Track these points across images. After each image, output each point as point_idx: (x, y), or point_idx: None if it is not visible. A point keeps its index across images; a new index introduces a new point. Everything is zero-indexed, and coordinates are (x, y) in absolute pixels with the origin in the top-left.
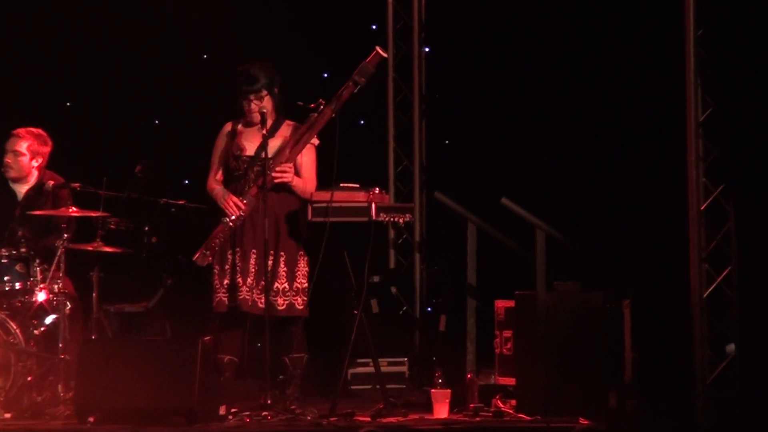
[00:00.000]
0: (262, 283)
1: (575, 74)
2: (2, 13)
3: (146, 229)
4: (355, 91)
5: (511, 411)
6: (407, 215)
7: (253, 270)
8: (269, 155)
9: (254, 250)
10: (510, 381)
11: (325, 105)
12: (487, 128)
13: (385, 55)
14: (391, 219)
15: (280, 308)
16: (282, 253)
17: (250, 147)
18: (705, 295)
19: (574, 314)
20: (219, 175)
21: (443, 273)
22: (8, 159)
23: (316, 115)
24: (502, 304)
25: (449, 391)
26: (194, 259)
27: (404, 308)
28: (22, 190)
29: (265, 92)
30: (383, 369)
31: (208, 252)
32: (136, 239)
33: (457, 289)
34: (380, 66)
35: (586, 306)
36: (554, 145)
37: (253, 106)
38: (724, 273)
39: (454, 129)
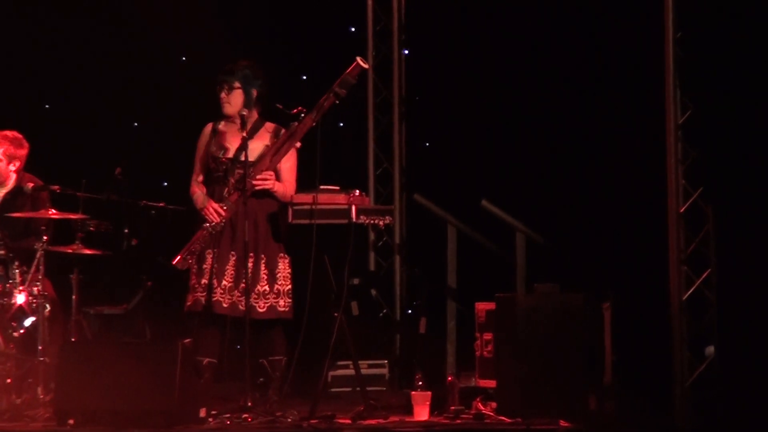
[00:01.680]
0: (242, 285)
1: (554, 76)
2: None
3: (126, 231)
4: (336, 102)
5: (491, 413)
6: (387, 217)
7: (231, 272)
8: (249, 157)
9: (233, 252)
10: (490, 383)
11: (305, 114)
12: (467, 130)
13: (365, 66)
14: (371, 221)
15: (260, 311)
16: (262, 256)
17: (230, 149)
18: (684, 297)
19: (554, 316)
20: (200, 177)
21: (423, 275)
22: None
23: (296, 124)
24: (482, 307)
25: (429, 393)
26: (174, 263)
27: (384, 310)
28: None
29: (237, 85)
30: (363, 371)
31: (188, 256)
32: (115, 241)
33: (437, 291)
34: (361, 74)
35: (565, 308)
36: (534, 147)
37: (222, 96)
38: (704, 275)
39: (434, 131)
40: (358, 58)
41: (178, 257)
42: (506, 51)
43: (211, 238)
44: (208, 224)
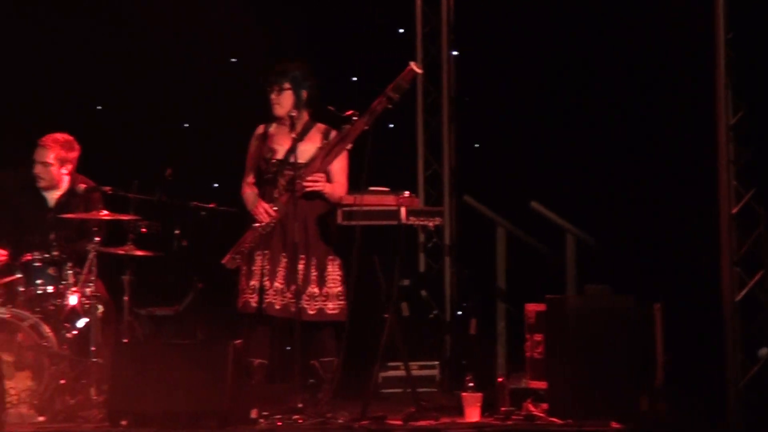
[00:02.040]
0: (293, 286)
1: (606, 77)
2: (31, 18)
3: (176, 232)
4: (389, 106)
5: (542, 414)
6: (437, 219)
7: (282, 274)
8: (299, 159)
9: (284, 254)
10: (541, 384)
11: (358, 118)
12: (517, 132)
13: (419, 71)
14: (421, 222)
15: (311, 313)
16: (312, 258)
17: (280, 150)
18: (737, 299)
19: (604, 318)
20: (252, 178)
21: (473, 276)
22: (37, 170)
23: (349, 127)
24: (532, 308)
25: (480, 394)
26: (223, 262)
27: (434, 312)
28: (54, 196)
29: (287, 86)
30: (414, 372)
31: (237, 256)
32: (166, 243)
33: (487, 292)
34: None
35: (616, 309)
36: (584, 148)
37: (273, 97)
38: (757, 277)
39: (484, 132)
40: (412, 63)
41: (227, 256)
42: (556, 51)
43: (261, 238)
44: (258, 224)
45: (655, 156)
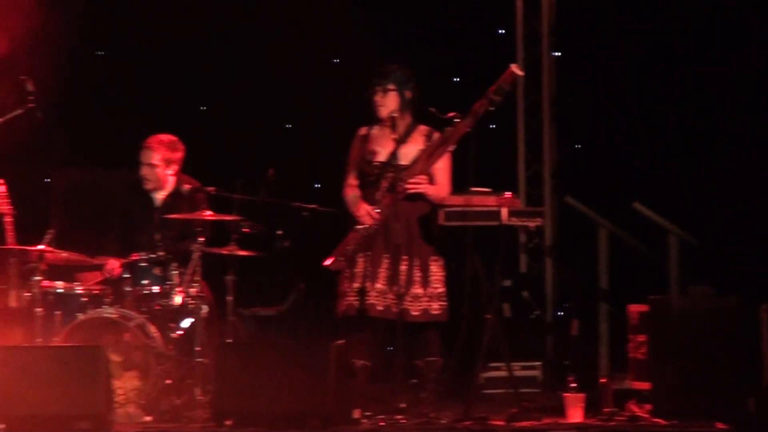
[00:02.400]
0: (395, 288)
1: (707, 78)
2: (134, 20)
3: (279, 233)
4: (491, 108)
5: (646, 415)
6: (538, 219)
7: (384, 275)
8: (401, 161)
9: (386, 255)
10: (644, 385)
11: (460, 120)
12: (618, 132)
13: (520, 73)
14: (522, 223)
15: (414, 314)
16: (415, 258)
17: (382, 152)
18: None
19: (709, 318)
20: (354, 180)
21: (574, 277)
22: (144, 172)
23: (450, 129)
24: (635, 309)
25: (583, 395)
26: (326, 264)
27: (536, 312)
28: (160, 197)
29: (392, 87)
30: (516, 373)
31: (341, 258)
32: (269, 243)
33: (589, 293)
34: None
35: (721, 310)
36: (687, 147)
37: (377, 99)
38: None
39: (585, 133)
40: (513, 66)
41: (331, 258)
42: (658, 51)
43: (363, 240)
44: (360, 226)
45: (761, 155)
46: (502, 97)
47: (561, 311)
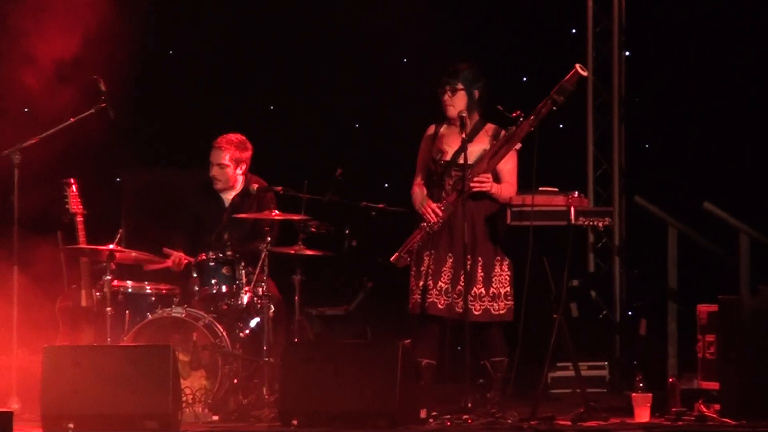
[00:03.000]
0: (459, 287)
1: None
2: (204, 19)
3: (346, 232)
4: (554, 108)
5: (714, 415)
6: (606, 219)
7: (447, 274)
8: (468, 160)
9: (450, 254)
10: (713, 385)
11: (523, 119)
12: (688, 131)
13: (584, 73)
14: (591, 223)
15: (476, 313)
16: (479, 258)
17: (450, 151)
18: None
19: None
20: (421, 179)
21: (643, 277)
22: (214, 173)
23: (514, 128)
24: (704, 309)
25: (650, 395)
26: (392, 260)
27: (604, 312)
28: (229, 196)
29: (460, 87)
30: (583, 373)
31: (405, 255)
32: (336, 242)
33: (658, 293)
34: (579, 82)
35: None
36: (757, 146)
37: (446, 98)
38: None
39: (654, 132)
40: (577, 66)
41: (396, 254)
42: (729, 49)
43: (429, 238)
44: (425, 224)
45: None
46: (566, 98)
47: (629, 311)
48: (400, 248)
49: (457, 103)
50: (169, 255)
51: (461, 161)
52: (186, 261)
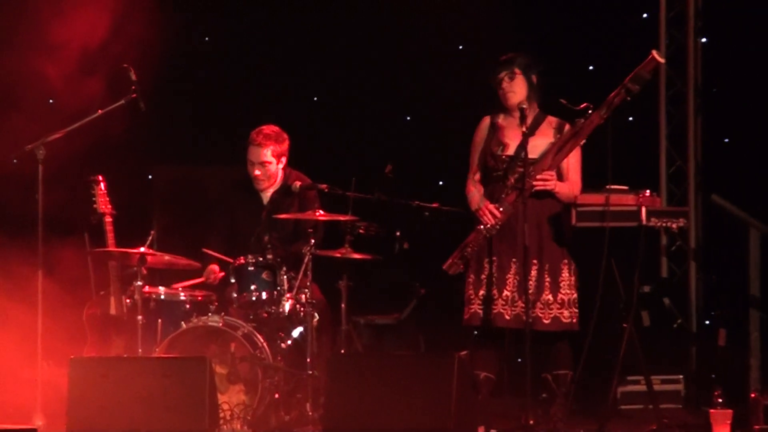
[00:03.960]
0: (524, 295)
1: None
2: (245, 5)
3: (397, 234)
4: (628, 99)
5: None
6: (681, 220)
7: (512, 281)
8: (529, 155)
9: (513, 260)
10: None
11: (592, 111)
12: None
13: (661, 60)
14: (663, 224)
15: (545, 322)
16: (545, 262)
17: (510, 144)
18: None
19: None
20: (477, 176)
21: (722, 283)
22: (257, 173)
23: (582, 121)
24: None
25: (730, 411)
26: (444, 267)
27: (678, 321)
28: (267, 194)
29: (518, 71)
30: (656, 387)
31: (459, 261)
32: (386, 245)
33: (738, 300)
34: (655, 71)
35: None
36: None
37: (504, 85)
38: None
39: (734, 125)
40: (654, 52)
41: (449, 261)
42: None
43: (487, 243)
44: (482, 226)
45: None
46: (641, 87)
47: (707, 320)
48: (454, 254)
49: (517, 89)
50: (202, 269)
51: (524, 156)
52: (222, 275)
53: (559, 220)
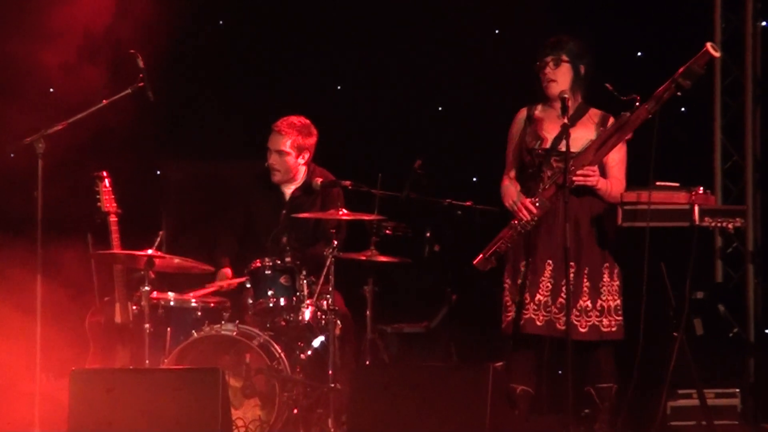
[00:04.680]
0: (560, 299)
1: None
2: None
3: (428, 235)
4: (678, 94)
5: None
6: (737, 219)
7: (547, 284)
8: (570, 148)
9: (549, 261)
10: None
11: (640, 105)
12: None
13: (716, 54)
14: (718, 224)
15: (582, 330)
16: (584, 265)
17: (548, 138)
18: None
19: None
20: (513, 172)
21: None
22: (273, 161)
23: (628, 114)
24: None
25: None
26: (474, 263)
27: (735, 330)
28: (288, 190)
29: (565, 58)
30: (710, 402)
31: (491, 257)
32: (415, 247)
33: None
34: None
35: None
36: None
37: (547, 72)
38: None
39: None
40: (708, 45)
41: (480, 256)
42: None
43: (522, 242)
44: (516, 222)
45: None
46: (693, 82)
47: (766, 329)
48: (485, 249)
49: (560, 78)
50: (215, 274)
51: (562, 149)
52: (237, 282)
53: (600, 220)
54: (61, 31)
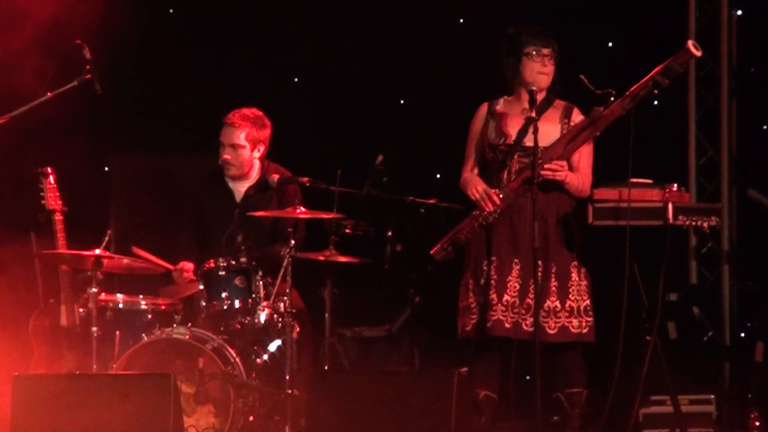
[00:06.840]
0: (527, 300)
1: None
2: None
3: (389, 234)
4: (655, 92)
5: None
6: (712, 218)
7: (515, 284)
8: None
9: (516, 260)
10: None
11: (614, 100)
12: None
13: (698, 53)
14: (693, 222)
15: (550, 332)
16: (552, 264)
17: (512, 134)
18: None
19: None
20: (475, 169)
21: (759, 290)
22: (227, 155)
23: (602, 109)
24: None
25: None
26: (432, 253)
27: (710, 333)
28: (241, 188)
29: (556, 52)
30: (684, 408)
31: (449, 247)
32: (376, 247)
33: None
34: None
35: None
36: None
37: (535, 65)
38: None
39: None
40: (689, 43)
41: (437, 246)
42: None
43: (485, 240)
44: (477, 212)
45: None
46: (672, 80)
47: (742, 332)
48: (443, 239)
49: (549, 71)
50: (170, 271)
51: (527, 143)
52: (192, 275)
53: (567, 217)
54: (1, 21)
